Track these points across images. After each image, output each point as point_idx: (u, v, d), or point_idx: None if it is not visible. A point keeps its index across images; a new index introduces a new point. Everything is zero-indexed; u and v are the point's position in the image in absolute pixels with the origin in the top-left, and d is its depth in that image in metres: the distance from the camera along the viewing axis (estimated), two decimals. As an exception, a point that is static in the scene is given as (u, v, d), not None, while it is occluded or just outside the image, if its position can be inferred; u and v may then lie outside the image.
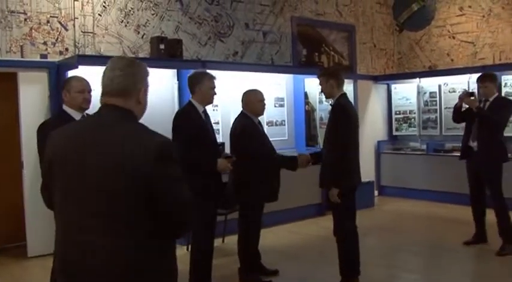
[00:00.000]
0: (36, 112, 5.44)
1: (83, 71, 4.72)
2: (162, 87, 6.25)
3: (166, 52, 6.25)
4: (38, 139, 3.41)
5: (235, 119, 4.57)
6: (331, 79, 4.13)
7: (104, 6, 6.13)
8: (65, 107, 3.59)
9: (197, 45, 6.95)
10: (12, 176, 5.71)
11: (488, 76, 5.36)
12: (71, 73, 5.01)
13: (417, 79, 8.81)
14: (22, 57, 5.57)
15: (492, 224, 5.26)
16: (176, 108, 5.82)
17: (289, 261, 5.18)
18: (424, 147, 8.48)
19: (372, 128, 8.83)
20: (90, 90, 3.58)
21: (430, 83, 8.65)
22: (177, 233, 1.99)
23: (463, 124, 5.58)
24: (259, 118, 4.65)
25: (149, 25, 6.50)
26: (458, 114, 5.51)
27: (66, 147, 1.90)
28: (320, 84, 4.24)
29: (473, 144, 5.29)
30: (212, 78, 4.08)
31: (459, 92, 6.68)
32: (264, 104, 4.59)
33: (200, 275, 3.98)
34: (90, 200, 1.81)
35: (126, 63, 2.00)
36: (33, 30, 5.63)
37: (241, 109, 4.60)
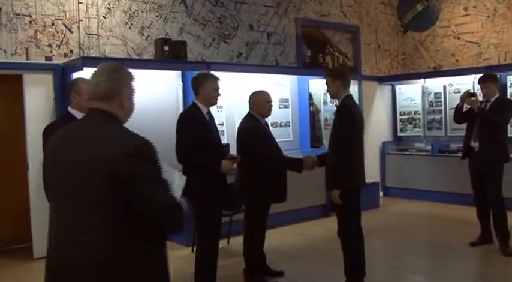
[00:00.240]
0: (41, 114, 5.47)
1: (87, 73, 4.72)
2: (167, 89, 6.27)
3: (171, 54, 6.26)
4: (43, 141, 3.43)
5: (242, 119, 4.57)
6: (337, 80, 4.12)
7: (108, 8, 6.15)
8: (70, 109, 3.60)
9: (201, 47, 6.96)
10: (17, 177, 5.74)
11: (490, 77, 5.38)
12: (75, 75, 5.02)
13: (422, 80, 8.79)
14: (27, 59, 5.59)
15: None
16: (180, 109, 5.83)
17: (294, 262, 5.18)
18: (429, 148, 8.46)
19: (376, 128, 8.82)
20: None
21: (435, 84, 8.63)
22: (159, 235, 1.99)
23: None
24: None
25: (153, 27, 6.51)
26: (459, 114, 5.51)
27: (56, 147, 2.04)
28: (326, 84, 4.23)
29: (475, 144, 5.29)
30: (216, 79, 4.08)
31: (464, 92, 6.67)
32: (271, 105, 4.59)
33: (205, 276, 3.98)
34: (71, 197, 1.90)
35: (110, 69, 2.10)
36: (38, 33, 5.66)
37: (246, 110, 4.60)
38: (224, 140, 6.09)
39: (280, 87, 7.42)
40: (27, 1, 5.57)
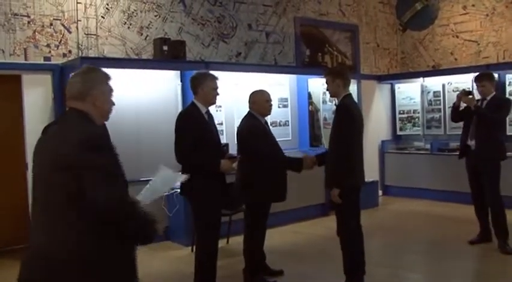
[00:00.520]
0: (40, 114, 5.47)
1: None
2: (166, 89, 6.27)
3: (170, 53, 6.26)
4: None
5: (242, 119, 4.56)
6: (337, 78, 4.12)
7: (106, 8, 6.14)
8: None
9: (200, 46, 6.96)
10: (16, 177, 5.73)
11: (486, 75, 5.39)
12: (74, 75, 5.02)
13: (421, 78, 8.80)
14: (26, 59, 5.59)
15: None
16: (179, 109, 5.83)
17: (293, 261, 5.17)
18: (428, 146, 8.46)
19: (375, 127, 8.82)
20: None
21: (434, 82, 8.64)
22: (121, 233, 2.04)
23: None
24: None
25: (152, 27, 6.51)
26: (456, 113, 5.52)
27: (35, 148, 2.20)
28: (326, 83, 4.23)
29: (472, 142, 5.29)
30: (214, 78, 4.08)
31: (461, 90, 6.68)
32: (271, 104, 4.58)
33: (205, 276, 3.98)
34: (39, 191, 2.09)
35: (84, 70, 2.28)
36: (36, 33, 5.66)
37: (245, 109, 4.60)
38: (223, 139, 6.09)
39: (280, 86, 7.42)
40: (25, 1, 5.56)
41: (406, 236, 6.14)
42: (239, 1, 7.38)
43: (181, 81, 6.27)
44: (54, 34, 5.77)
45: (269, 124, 4.87)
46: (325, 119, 7.87)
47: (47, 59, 5.73)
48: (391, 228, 6.55)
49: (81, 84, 2.21)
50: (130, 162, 5.49)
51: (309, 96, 7.76)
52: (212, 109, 4.24)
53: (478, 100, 5.35)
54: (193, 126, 3.93)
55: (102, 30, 6.11)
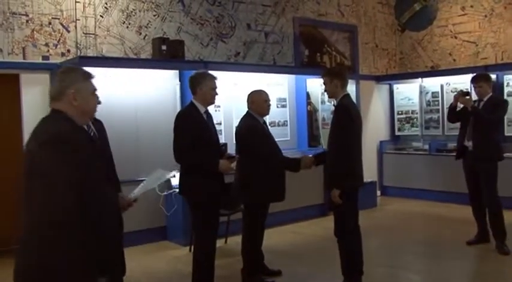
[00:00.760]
0: (38, 113, 5.34)
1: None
2: (164, 88, 6.26)
3: (168, 53, 6.25)
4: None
5: (241, 119, 4.56)
6: (335, 79, 4.12)
7: (105, 7, 6.14)
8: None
9: (199, 46, 6.96)
10: (15, 177, 5.71)
11: (482, 76, 5.41)
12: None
13: (419, 79, 8.81)
14: (24, 59, 5.58)
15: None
16: (178, 109, 5.82)
17: (291, 261, 5.17)
18: (426, 147, 8.48)
19: (374, 128, 8.83)
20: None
21: (432, 83, 8.64)
22: (96, 229, 2.13)
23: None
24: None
25: (151, 26, 6.50)
26: (453, 113, 5.52)
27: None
28: (324, 83, 4.22)
29: (469, 143, 5.30)
30: (213, 78, 4.08)
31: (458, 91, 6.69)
32: (270, 104, 4.59)
33: (203, 276, 3.98)
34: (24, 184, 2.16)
35: (62, 70, 2.30)
36: (35, 32, 5.65)
37: (244, 109, 4.60)
38: (222, 139, 6.08)
39: (278, 86, 7.42)
40: (23, 0, 5.56)
41: (404, 236, 6.15)
42: (238, 1, 7.37)
43: (180, 80, 6.27)
44: (52, 33, 5.77)
45: (268, 124, 4.88)
46: (323, 119, 7.86)
47: (45, 58, 5.72)
48: (389, 229, 6.56)
49: (58, 83, 2.23)
50: (129, 161, 5.55)
51: (308, 96, 7.77)
52: (211, 109, 4.24)
53: (475, 101, 5.37)
54: (191, 125, 3.92)
55: (101, 30, 6.10)
